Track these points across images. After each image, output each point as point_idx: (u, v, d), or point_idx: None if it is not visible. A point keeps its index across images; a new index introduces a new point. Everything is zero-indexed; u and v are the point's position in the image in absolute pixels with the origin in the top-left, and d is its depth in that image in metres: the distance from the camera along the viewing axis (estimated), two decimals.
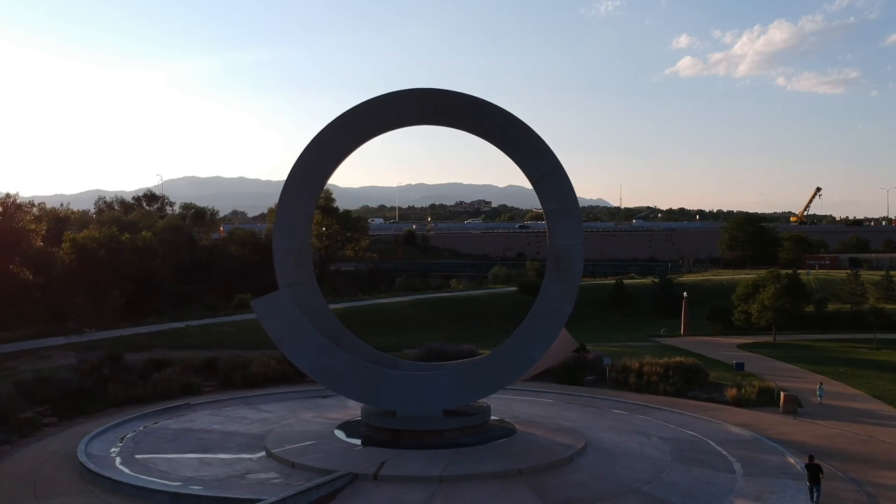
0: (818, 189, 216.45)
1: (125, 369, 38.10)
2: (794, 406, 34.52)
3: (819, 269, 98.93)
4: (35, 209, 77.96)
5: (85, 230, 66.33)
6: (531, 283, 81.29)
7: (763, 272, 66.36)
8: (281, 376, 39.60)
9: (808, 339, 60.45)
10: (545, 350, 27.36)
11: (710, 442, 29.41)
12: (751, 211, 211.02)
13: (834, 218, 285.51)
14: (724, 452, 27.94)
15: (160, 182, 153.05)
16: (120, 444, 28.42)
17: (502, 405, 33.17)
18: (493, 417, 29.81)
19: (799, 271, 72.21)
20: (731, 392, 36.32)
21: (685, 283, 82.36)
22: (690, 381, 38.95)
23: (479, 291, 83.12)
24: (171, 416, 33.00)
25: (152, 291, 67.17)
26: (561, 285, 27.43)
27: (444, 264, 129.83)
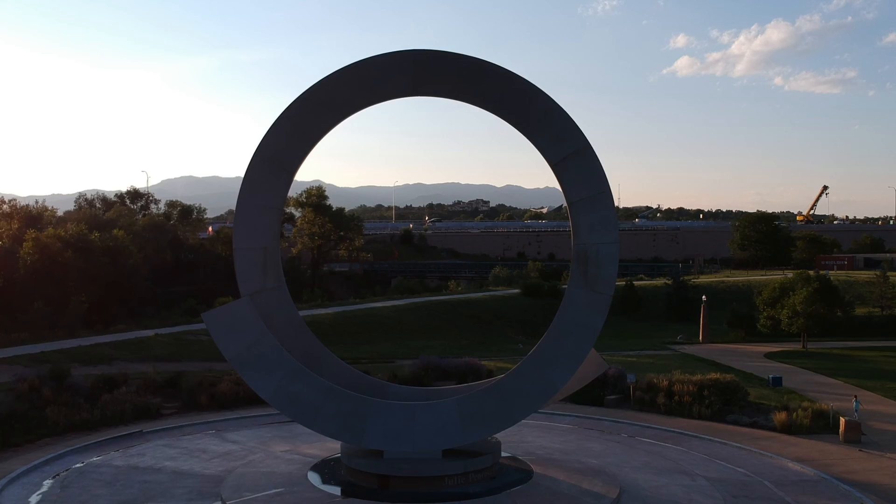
0: (825, 187, 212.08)
1: (70, 389, 32.49)
2: (858, 434, 29.14)
3: (837, 269, 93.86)
4: (6, 206, 72.71)
5: (50, 228, 60.87)
6: (534, 284, 77.17)
7: (792, 274, 61.12)
8: (253, 396, 33.38)
9: (841, 347, 55.34)
10: (570, 375, 21.91)
11: (766, 483, 24.08)
12: (749, 210, 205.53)
13: (838, 217, 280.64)
14: (787, 499, 22.60)
15: (148, 182, 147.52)
16: (44, 490, 23.02)
17: (513, 434, 27.68)
18: (503, 454, 24.38)
19: (820, 273, 66.97)
20: (780, 416, 30.83)
21: (700, 284, 77.30)
22: (729, 402, 33.52)
23: (480, 294, 78.09)
24: (119, 449, 27.59)
25: (125, 295, 61.68)
26: (590, 294, 22.13)
27: (442, 265, 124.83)
